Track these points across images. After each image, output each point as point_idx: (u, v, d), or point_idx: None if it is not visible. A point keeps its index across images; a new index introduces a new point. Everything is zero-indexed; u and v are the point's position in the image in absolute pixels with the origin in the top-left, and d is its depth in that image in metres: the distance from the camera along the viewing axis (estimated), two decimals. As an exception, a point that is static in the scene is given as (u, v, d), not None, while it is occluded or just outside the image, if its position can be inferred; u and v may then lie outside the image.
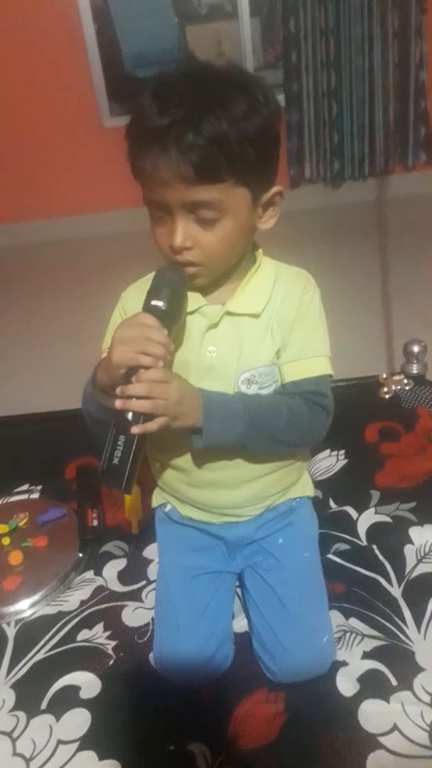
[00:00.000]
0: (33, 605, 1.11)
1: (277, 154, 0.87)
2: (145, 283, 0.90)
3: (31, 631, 1.07)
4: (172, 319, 0.84)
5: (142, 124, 0.80)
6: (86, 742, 0.90)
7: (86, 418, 0.95)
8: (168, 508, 1.10)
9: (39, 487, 1.39)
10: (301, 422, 0.93)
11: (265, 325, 0.93)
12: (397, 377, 1.56)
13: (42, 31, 3.45)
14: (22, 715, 0.95)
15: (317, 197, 3.81)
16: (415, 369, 1.58)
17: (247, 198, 0.84)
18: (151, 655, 0.99)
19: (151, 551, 1.18)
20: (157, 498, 1.12)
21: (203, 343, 0.92)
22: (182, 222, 0.82)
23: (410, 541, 1.14)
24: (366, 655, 0.97)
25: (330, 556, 1.13)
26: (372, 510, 1.22)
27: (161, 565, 1.09)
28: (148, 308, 0.83)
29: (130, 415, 0.79)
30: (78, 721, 0.93)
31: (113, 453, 0.80)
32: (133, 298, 0.95)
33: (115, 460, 0.80)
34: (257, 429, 0.91)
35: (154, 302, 0.83)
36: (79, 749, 0.89)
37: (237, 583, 1.08)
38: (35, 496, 1.37)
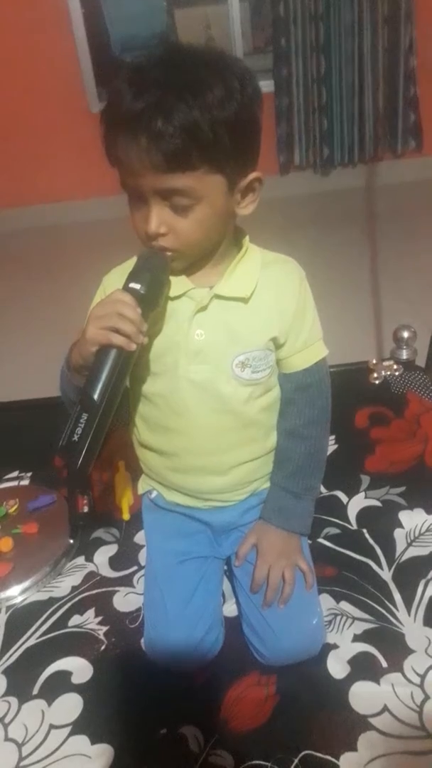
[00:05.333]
0: (24, 591, 1.11)
1: (257, 140, 0.85)
2: (127, 266, 0.89)
3: (22, 618, 1.07)
4: (150, 303, 0.83)
5: (114, 110, 0.78)
6: (78, 727, 0.90)
7: (64, 400, 0.94)
8: (154, 494, 1.10)
9: (29, 474, 1.38)
10: (324, 436, 1.04)
11: (257, 310, 0.92)
12: (386, 363, 1.56)
13: (28, 16, 3.41)
14: (13, 700, 0.95)
15: (307, 184, 3.80)
16: (404, 354, 1.58)
17: (222, 185, 0.82)
18: (142, 640, 0.99)
19: (142, 537, 1.17)
20: (143, 485, 1.12)
21: (191, 327, 0.91)
22: (156, 209, 0.81)
23: (400, 525, 1.15)
24: (356, 638, 0.97)
25: (320, 540, 1.13)
26: (362, 494, 1.22)
27: (148, 552, 1.09)
28: (125, 290, 0.83)
29: (96, 395, 0.79)
30: (70, 705, 0.93)
31: (74, 430, 0.80)
32: (114, 281, 0.94)
33: (75, 437, 0.80)
34: (316, 479, 1.05)
35: (132, 284, 0.82)
36: (71, 734, 0.89)
37: (226, 568, 1.08)
38: (25, 482, 1.36)
